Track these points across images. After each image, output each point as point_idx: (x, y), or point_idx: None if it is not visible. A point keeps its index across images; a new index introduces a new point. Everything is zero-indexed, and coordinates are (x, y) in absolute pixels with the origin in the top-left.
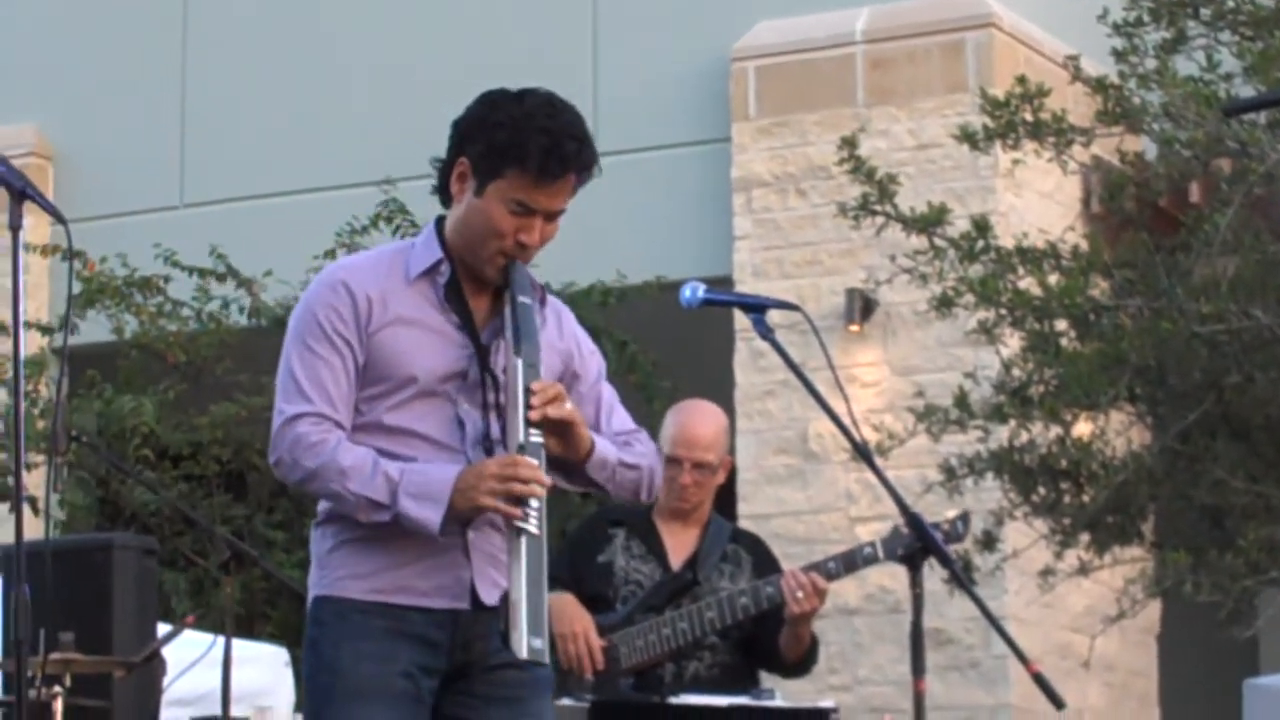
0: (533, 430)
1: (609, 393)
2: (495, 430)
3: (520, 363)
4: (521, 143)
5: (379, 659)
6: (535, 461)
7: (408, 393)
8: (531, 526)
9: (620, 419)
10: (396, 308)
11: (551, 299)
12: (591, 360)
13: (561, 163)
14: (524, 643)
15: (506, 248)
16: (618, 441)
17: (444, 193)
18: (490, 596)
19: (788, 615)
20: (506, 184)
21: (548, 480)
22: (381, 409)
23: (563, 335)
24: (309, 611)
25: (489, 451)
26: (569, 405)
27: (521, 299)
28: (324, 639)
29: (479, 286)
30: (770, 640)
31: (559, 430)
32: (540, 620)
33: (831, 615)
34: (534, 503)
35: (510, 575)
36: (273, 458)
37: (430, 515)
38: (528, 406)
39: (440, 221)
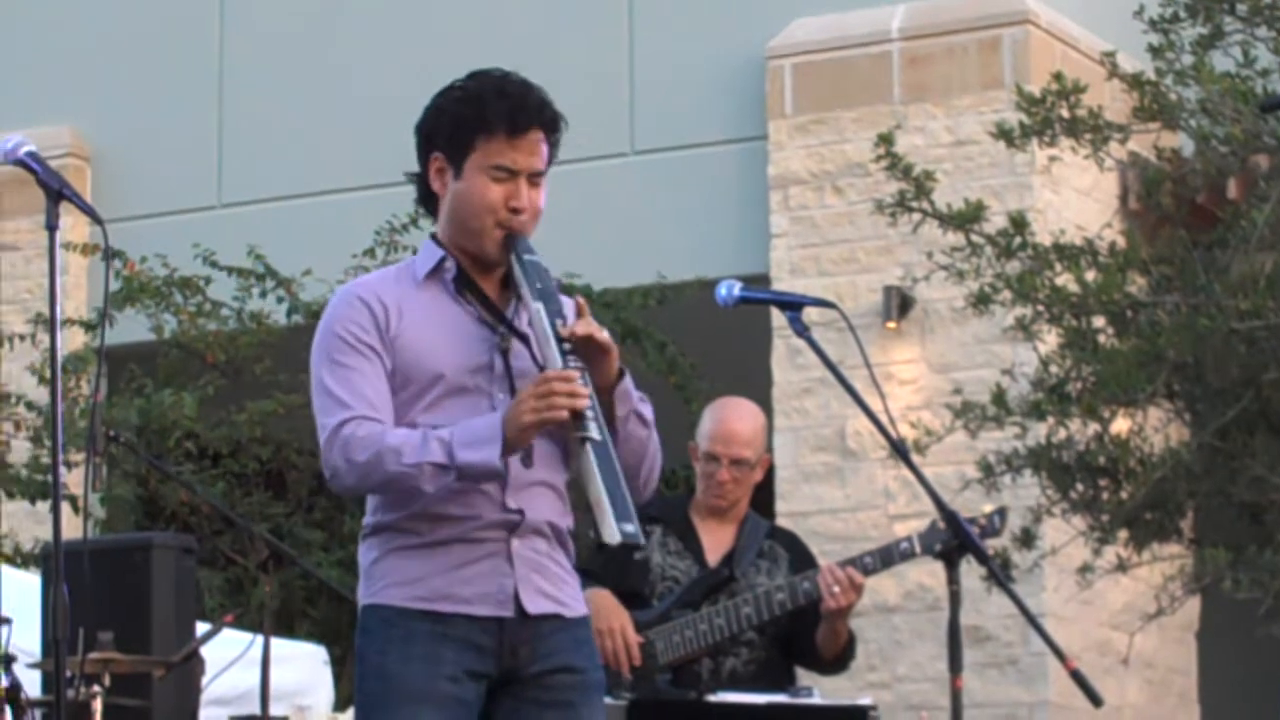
0: (571, 358)
1: None
2: None
3: (541, 306)
4: (482, 110)
5: (425, 661)
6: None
7: (437, 391)
8: (593, 432)
9: None
10: (412, 311)
11: (562, 297)
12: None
13: (527, 115)
14: (615, 528)
15: (501, 218)
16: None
17: (429, 202)
18: (534, 605)
19: (825, 610)
20: (481, 154)
21: (585, 389)
22: (415, 411)
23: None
24: (358, 623)
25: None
26: (606, 333)
27: (528, 257)
28: (370, 646)
29: (486, 273)
30: (808, 636)
31: (590, 353)
32: (628, 508)
33: (870, 613)
34: (588, 413)
35: (586, 484)
36: (328, 471)
37: (489, 454)
38: (559, 339)
39: (434, 236)
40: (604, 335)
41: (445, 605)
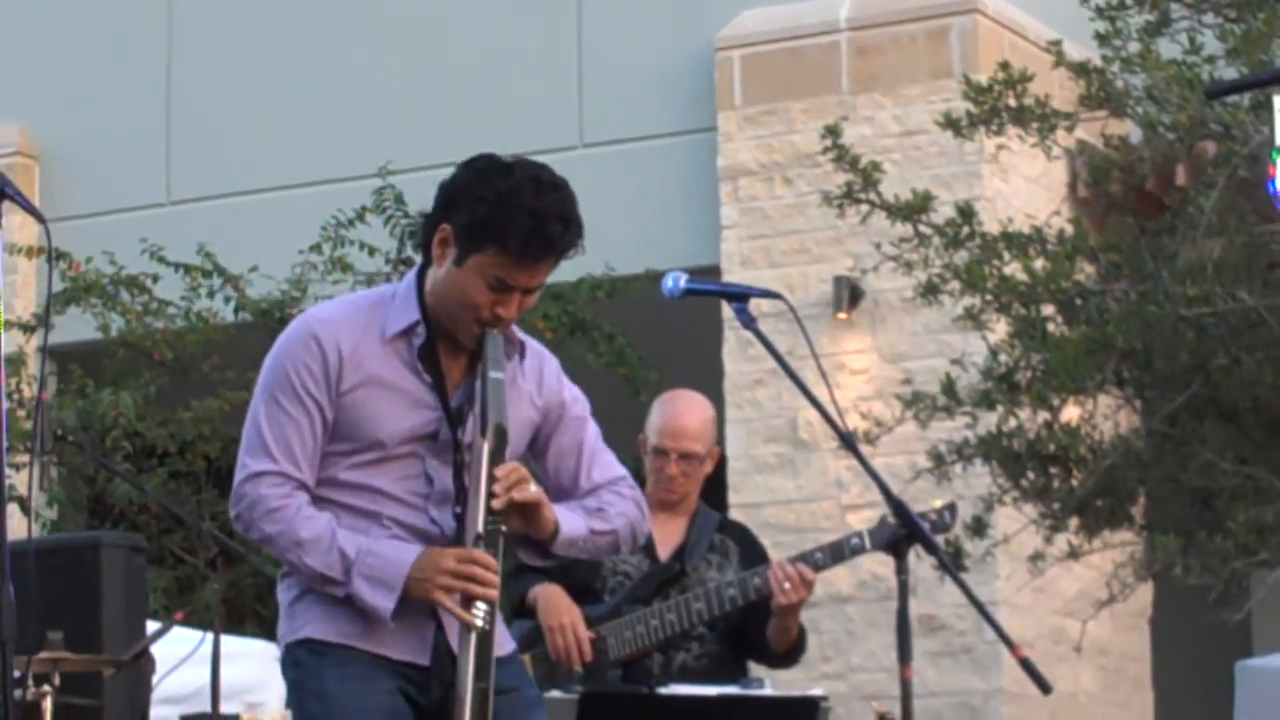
0: (494, 517)
1: (592, 438)
2: (464, 487)
3: (486, 446)
4: (505, 221)
5: (363, 679)
6: (492, 555)
7: (374, 454)
8: (480, 622)
9: (603, 468)
10: (370, 367)
11: (534, 347)
12: (574, 407)
13: (544, 246)
14: None
15: (483, 319)
16: (589, 507)
17: (427, 250)
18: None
19: (775, 606)
20: (486, 259)
21: (495, 577)
22: (345, 465)
23: (542, 390)
24: (283, 662)
25: (453, 513)
26: (533, 488)
27: (493, 374)
28: (306, 675)
29: (455, 347)
30: (758, 631)
31: (524, 512)
32: (484, 714)
33: (824, 603)
34: (484, 605)
35: (459, 669)
36: (233, 512)
37: (383, 602)
38: (490, 494)
39: (422, 273)
40: (529, 495)
41: (367, 644)
